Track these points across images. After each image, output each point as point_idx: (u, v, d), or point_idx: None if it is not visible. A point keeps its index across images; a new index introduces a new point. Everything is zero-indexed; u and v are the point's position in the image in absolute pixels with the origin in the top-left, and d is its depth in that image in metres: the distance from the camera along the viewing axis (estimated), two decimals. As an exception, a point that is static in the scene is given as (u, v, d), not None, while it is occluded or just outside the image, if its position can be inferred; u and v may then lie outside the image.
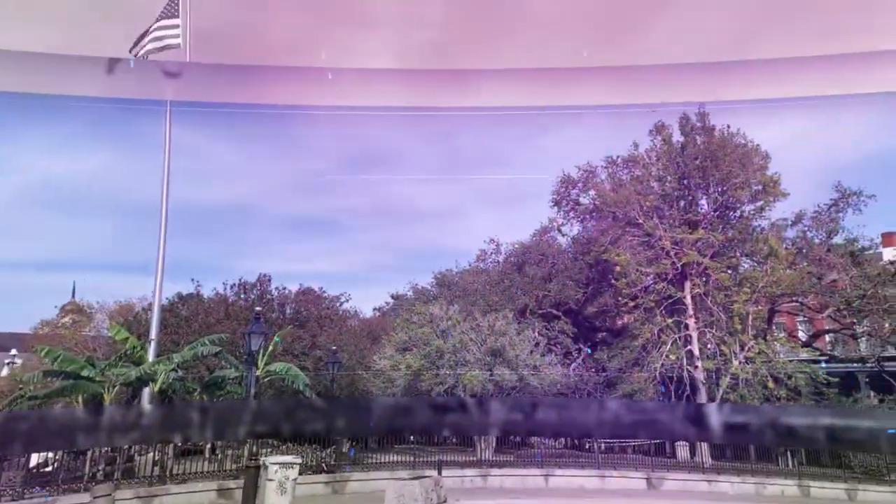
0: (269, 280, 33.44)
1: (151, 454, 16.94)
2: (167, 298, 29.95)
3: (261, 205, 59.26)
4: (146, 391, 20.16)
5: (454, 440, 27.05)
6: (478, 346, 25.46)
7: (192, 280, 34.75)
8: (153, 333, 22.34)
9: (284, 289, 33.65)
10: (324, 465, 19.76)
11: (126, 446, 15.52)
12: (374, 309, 42.91)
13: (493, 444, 24.57)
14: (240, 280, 33.24)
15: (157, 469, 16.54)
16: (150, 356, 21.16)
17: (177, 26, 22.81)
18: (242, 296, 32.72)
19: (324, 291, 34.78)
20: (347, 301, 36.32)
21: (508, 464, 23.15)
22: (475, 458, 23.36)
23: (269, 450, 18.43)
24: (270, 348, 22.63)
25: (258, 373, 20.61)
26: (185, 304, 31.62)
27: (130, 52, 22.31)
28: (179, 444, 17.09)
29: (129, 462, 16.63)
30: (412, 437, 26.71)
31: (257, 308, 20.95)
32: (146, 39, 22.53)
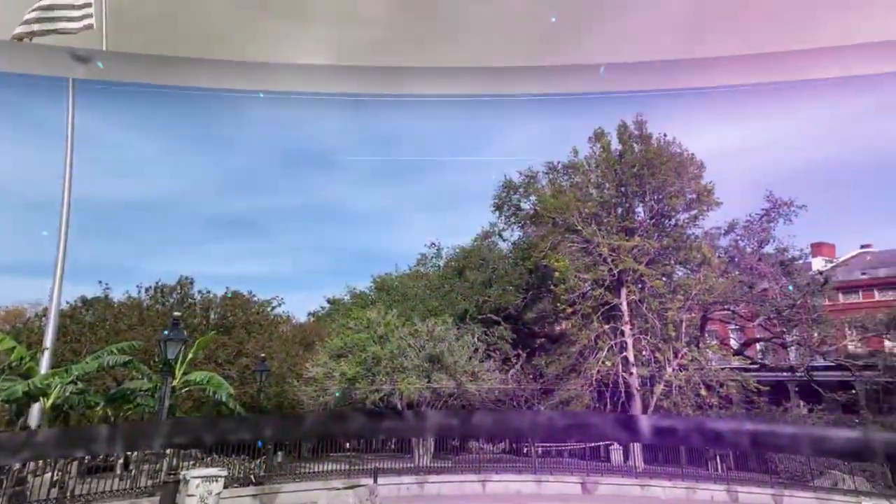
0: (192, 283, 31.92)
1: (49, 474, 15.36)
2: (68, 303, 27.94)
3: (184, 201, 56.94)
4: (36, 407, 18.30)
5: (392, 446, 26.95)
6: (416, 352, 25.44)
7: (101, 283, 32.49)
8: (48, 342, 20.28)
9: (209, 292, 32.23)
10: (252, 476, 19.22)
11: (16, 467, 14.15)
12: (309, 314, 42.25)
13: (432, 450, 24.63)
14: (157, 283, 31.48)
15: (55, 491, 14.94)
16: (43, 368, 19.23)
17: (89, 5, 21.65)
18: (160, 300, 31.10)
19: (253, 295, 33.58)
20: (280, 305, 35.41)
21: (446, 470, 23.25)
22: (413, 465, 23.32)
23: (191, 462, 17.72)
24: (190, 356, 21.50)
25: (175, 383, 19.47)
26: (90, 309, 29.44)
27: (28, 24, 21.03)
28: (86, 461, 15.94)
29: (19, 485, 14.85)
30: (348, 445, 26.43)
31: (176, 313, 19.67)
32: (34, 13, 21.20)
